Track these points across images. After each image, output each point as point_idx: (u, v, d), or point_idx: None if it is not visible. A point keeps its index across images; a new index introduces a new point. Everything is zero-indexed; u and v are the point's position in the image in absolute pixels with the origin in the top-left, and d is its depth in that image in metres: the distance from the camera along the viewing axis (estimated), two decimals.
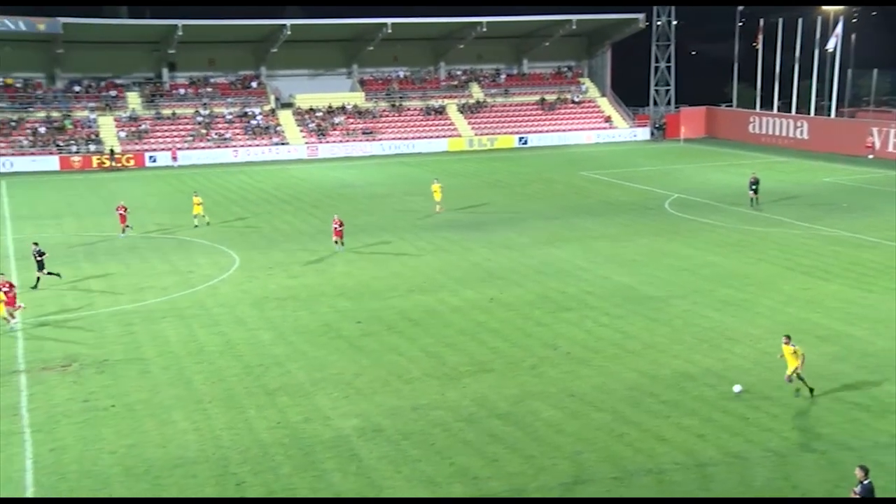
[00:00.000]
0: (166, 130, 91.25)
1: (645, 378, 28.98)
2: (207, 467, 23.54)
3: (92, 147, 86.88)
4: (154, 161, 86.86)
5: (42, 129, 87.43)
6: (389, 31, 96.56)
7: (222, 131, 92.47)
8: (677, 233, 51.56)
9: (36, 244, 42.33)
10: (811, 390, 26.79)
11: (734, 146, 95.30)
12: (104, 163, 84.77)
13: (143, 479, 22.97)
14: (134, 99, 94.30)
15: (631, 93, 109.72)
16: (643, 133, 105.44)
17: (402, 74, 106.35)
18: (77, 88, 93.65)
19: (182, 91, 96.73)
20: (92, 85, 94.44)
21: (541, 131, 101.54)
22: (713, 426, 25.17)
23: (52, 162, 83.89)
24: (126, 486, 22.59)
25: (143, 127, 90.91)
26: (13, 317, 35.20)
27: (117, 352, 32.48)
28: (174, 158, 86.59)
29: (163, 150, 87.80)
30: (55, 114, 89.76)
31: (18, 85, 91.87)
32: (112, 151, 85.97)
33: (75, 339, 34.07)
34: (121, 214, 52.39)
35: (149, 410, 27.26)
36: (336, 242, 47.61)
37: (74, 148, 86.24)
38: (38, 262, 41.39)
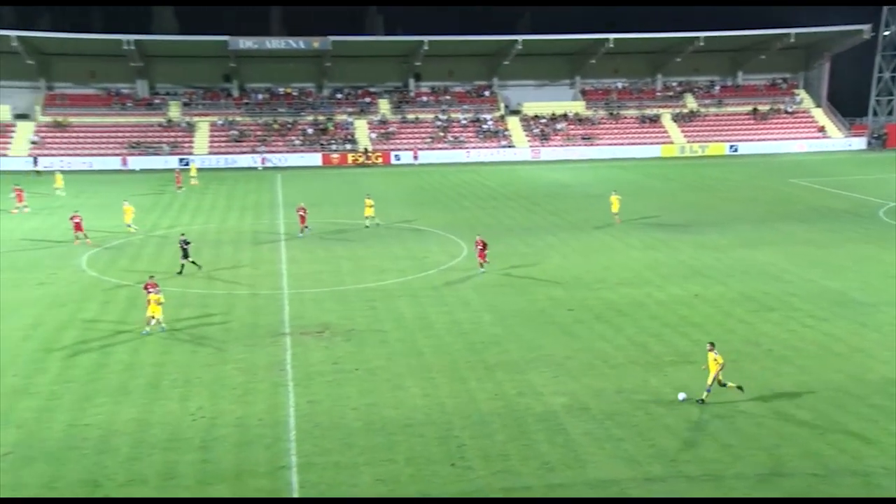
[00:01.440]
0: (410, 133, 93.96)
1: (850, 381, 27.22)
2: (433, 429, 24.14)
3: (348, 146, 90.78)
4: (398, 159, 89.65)
5: (310, 131, 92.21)
6: (611, 45, 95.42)
7: (457, 134, 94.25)
8: (892, 241, 47.86)
9: (183, 234, 43.70)
10: (702, 399, 25.50)
11: None
12: (357, 160, 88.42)
13: (379, 434, 23.85)
14: (384, 105, 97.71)
15: (848, 103, 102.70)
16: (859, 143, 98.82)
17: (620, 85, 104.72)
18: (339, 96, 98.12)
19: (425, 98, 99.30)
20: (351, 93, 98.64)
21: (752, 140, 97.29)
22: None
23: (315, 158, 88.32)
24: (366, 438, 23.52)
25: (390, 129, 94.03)
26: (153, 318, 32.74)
27: (361, 323, 33.79)
28: (415, 157, 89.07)
29: (406, 149, 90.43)
30: (321, 117, 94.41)
31: (294, 93, 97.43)
32: (365, 150, 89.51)
33: (329, 310, 35.58)
34: (301, 216, 51.09)
35: (386, 376, 28.25)
36: (480, 265, 41.70)
37: (334, 146, 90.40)
38: (183, 250, 41.73)
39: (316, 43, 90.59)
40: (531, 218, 56.76)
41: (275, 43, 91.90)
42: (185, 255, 41.60)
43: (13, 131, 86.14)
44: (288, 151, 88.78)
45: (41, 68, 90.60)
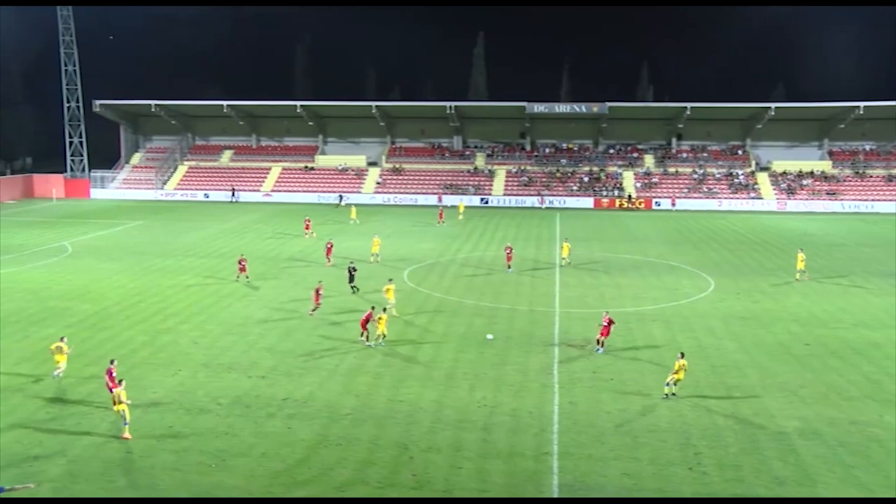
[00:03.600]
0: (670, 183, 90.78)
1: None
2: (674, 436, 23.08)
3: (616, 192, 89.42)
4: (658, 205, 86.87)
5: (585, 179, 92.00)
6: (861, 112, 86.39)
7: (711, 186, 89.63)
8: None
9: (352, 262, 43.16)
10: (673, 395, 25.91)
11: None
12: (623, 204, 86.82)
13: (627, 435, 23.15)
14: (649, 160, 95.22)
15: None
16: None
17: (867, 147, 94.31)
18: (611, 151, 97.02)
19: (684, 155, 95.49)
20: (621, 149, 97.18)
21: None
22: None
23: (588, 202, 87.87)
24: (615, 438, 22.94)
25: (653, 180, 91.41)
26: (367, 339, 31.77)
27: (617, 342, 32.87)
28: (673, 204, 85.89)
29: (665, 197, 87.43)
30: (595, 168, 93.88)
31: (574, 148, 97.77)
32: (630, 196, 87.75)
33: (591, 327, 34.69)
34: (507, 254, 48.50)
35: (636, 387, 27.40)
36: (598, 342, 31.62)
37: (604, 193, 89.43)
38: (350, 275, 41.09)
39: (595, 108, 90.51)
40: (774, 261, 52.63)
41: (562, 108, 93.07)
42: (351, 279, 41.04)
43: (366, 174, 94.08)
44: (566, 195, 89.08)
45: (388, 128, 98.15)
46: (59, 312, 36.74)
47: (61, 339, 28.52)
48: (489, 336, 31.31)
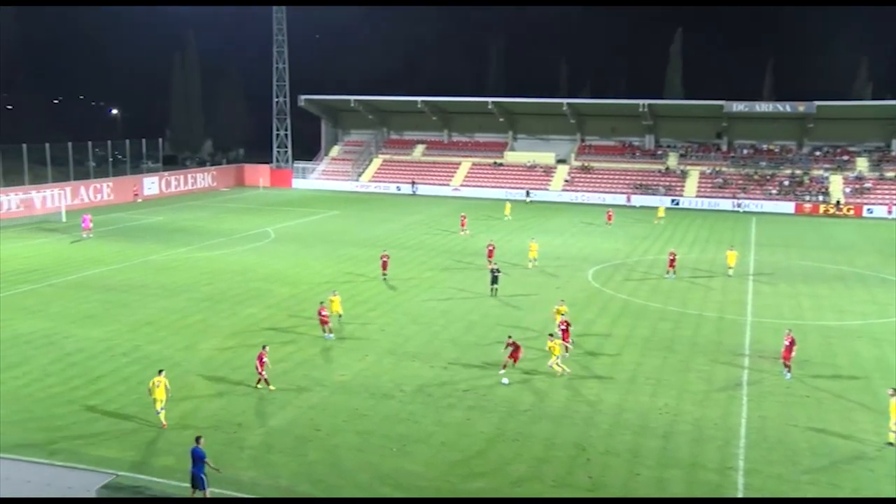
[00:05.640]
0: (886, 189, 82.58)
1: None
2: (883, 465, 21.14)
3: (820, 198, 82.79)
4: (871, 213, 79.32)
5: (786, 182, 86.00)
6: None
7: None
8: None
9: (495, 263, 42.67)
10: None
11: None
12: (829, 210, 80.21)
13: (824, 458, 21.42)
14: (862, 163, 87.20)
15: None
16: None
17: None
18: (817, 153, 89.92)
19: None
20: (829, 151, 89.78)
21: None
22: None
23: (788, 207, 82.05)
24: (811, 459, 21.35)
25: (866, 185, 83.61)
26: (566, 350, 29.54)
27: (816, 356, 30.69)
28: (889, 212, 78.10)
29: (880, 204, 79.70)
30: (798, 171, 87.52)
31: (775, 150, 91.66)
32: (838, 202, 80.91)
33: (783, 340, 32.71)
34: (670, 259, 45.51)
35: (835, 406, 25.43)
36: (786, 366, 28.62)
37: (807, 197, 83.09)
38: (493, 277, 40.04)
39: (801, 107, 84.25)
40: None
41: (764, 107, 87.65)
42: (494, 281, 40.04)
43: (554, 172, 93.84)
44: (763, 199, 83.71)
45: (578, 125, 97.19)
46: (261, 293, 39.92)
47: (333, 293, 34.83)
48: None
